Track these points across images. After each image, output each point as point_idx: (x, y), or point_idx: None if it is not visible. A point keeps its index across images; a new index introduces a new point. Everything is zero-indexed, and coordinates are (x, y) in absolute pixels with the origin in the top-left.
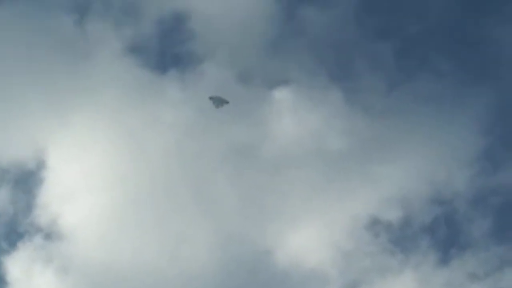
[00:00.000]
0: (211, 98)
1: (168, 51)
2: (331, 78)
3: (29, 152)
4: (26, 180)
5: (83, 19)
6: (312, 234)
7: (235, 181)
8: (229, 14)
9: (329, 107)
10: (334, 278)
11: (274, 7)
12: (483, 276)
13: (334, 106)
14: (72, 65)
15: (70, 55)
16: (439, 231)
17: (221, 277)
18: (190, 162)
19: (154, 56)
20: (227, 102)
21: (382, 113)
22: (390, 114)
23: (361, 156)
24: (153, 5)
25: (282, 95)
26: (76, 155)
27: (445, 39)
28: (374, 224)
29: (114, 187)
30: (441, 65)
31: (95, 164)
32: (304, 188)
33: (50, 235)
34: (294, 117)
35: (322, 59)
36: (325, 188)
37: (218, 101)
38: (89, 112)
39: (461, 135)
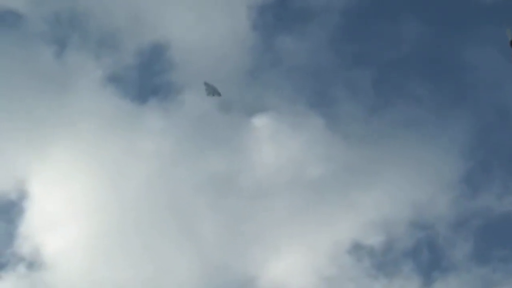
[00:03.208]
0: (206, 84)
1: (147, 81)
2: (310, 105)
3: (10, 183)
4: (7, 211)
5: (62, 50)
6: (294, 260)
7: (217, 209)
8: (208, 44)
9: (309, 133)
10: None
11: (252, 37)
12: None
13: (313, 133)
14: (52, 96)
15: (49, 85)
16: (421, 255)
17: None
18: (172, 191)
19: (134, 86)
20: (219, 95)
21: (362, 138)
22: (370, 140)
23: (342, 181)
24: (132, 36)
25: (261, 123)
26: (57, 185)
27: (422, 64)
28: (357, 249)
29: (96, 216)
30: (419, 90)
31: (76, 193)
32: (285, 214)
33: (33, 264)
34: (274, 144)
35: (301, 87)
36: (307, 214)
37: (212, 90)
38: (70, 142)
39: (441, 159)
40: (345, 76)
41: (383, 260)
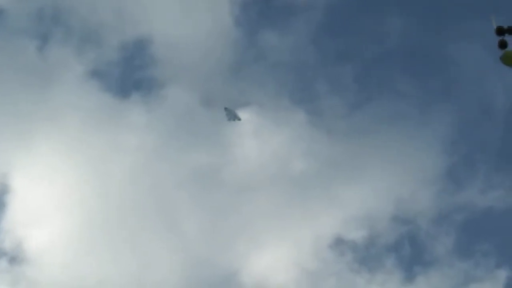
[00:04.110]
0: (226, 109)
1: (130, 76)
2: (293, 100)
3: None
4: None
5: (45, 45)
6: (277, 254)
7: (200, 203)
8: (190, 39)
9: (292, 128)
10: None
11: (235, 32)
12: None
13: (296, 128)
14: (34, 90)
15: (32, 80)
16: (403, 249)
17: None
18: (155, 185)
19: (117, 81)
20: (239, 119)
21: (345, 133)
22: (353, 135)
23: (325, 176)
24: (115, 31)
25: (244, 117)
26: (40, 179)
27: (406, 60)
28: (339, 244)
29: (79, 211)
30: (402, 85)
31: (59, 188)
32: (268, 209)
33: (15, 259)
34: (257, 139)
35: (284, 82)
36: (289, 209)
37: (231, 115)
38: (52, 137)
39: (424, 153)
40: (328, 71)
41: (365, 254)
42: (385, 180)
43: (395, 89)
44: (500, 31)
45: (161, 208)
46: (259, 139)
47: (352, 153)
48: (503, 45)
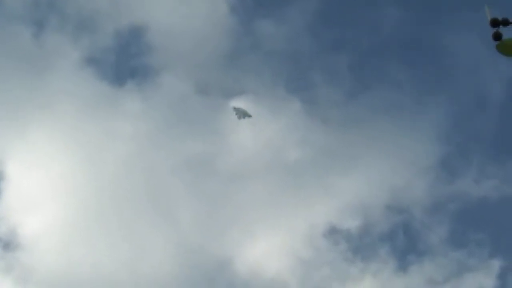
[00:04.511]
0: (234, 109)
1: (125, 64)
2: (288, 89)
3: None
4: None
5: (41, 32)
6: (271, 243)
7: (194, 191)
8: (186, 26)
9: (287, 117)
10: (293, 287)
11: (230, 20)
12: (441, 281)
13: (291, 117)
14: (30, 77)
15: (27, 67)
16: (397, 238)
17: None
18: (149, 172)
19: (112, 68)
20: (250, 116)
21: (340, 123)
22: (348, 124)
23: (320, 165)
24: (111, 18)
25: (239, 106)
26: (35, 166)
27: (401, 50)
28: (333, 233)
29: (73, 197)
30: (397, 75)
31: (54, 175)
32: (262, 197)
33: (9, 245)
34: (252, 127)
35: (279, 71)
36: (284, 198)
37: (241, 113)
38: (47, 124)
39: (418, 143)
40: (323, 60)
41: (359, 244)
42: (380, 169)
43: (391, 79)
44: (495, 22)
45: (155, 196)
46: (254, 127)
47: (347, 142)
48: (497, 37)
